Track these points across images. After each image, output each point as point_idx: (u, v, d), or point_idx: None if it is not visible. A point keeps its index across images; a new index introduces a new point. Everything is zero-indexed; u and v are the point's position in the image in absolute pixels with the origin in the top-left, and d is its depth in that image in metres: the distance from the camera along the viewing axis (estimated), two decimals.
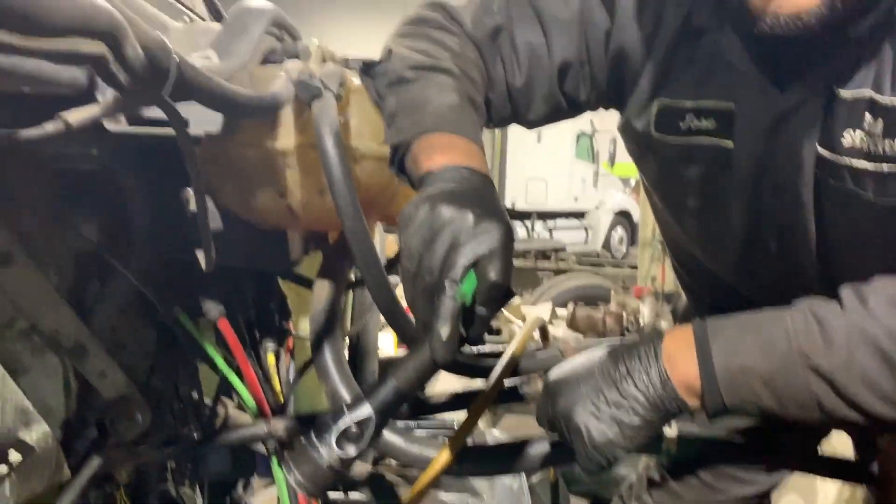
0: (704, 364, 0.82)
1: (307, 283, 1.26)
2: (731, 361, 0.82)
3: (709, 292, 1.29)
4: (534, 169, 11.50)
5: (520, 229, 11.86)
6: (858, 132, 0.87)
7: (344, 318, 1.45)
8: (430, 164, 0.87)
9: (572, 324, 4.20)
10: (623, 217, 12.58)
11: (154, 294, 1.13)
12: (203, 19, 1.47)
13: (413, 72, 0.97)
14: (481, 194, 0.82)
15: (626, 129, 1.09)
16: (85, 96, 0.55)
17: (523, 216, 11.82)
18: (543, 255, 7.77)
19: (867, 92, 0.85)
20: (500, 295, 0.74)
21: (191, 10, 1.41)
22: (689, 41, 0.98)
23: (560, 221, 12.37)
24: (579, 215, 12.65)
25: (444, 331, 0.72)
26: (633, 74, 1.03)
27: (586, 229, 12.36)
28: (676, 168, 1.05)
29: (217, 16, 1.40)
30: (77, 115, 0.52)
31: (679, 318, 1.51)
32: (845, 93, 0.87)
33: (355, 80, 1.05)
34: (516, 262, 7.27)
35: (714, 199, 1.03)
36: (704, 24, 0.96)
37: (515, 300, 4.48)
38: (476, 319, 0.74)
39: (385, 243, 1.60)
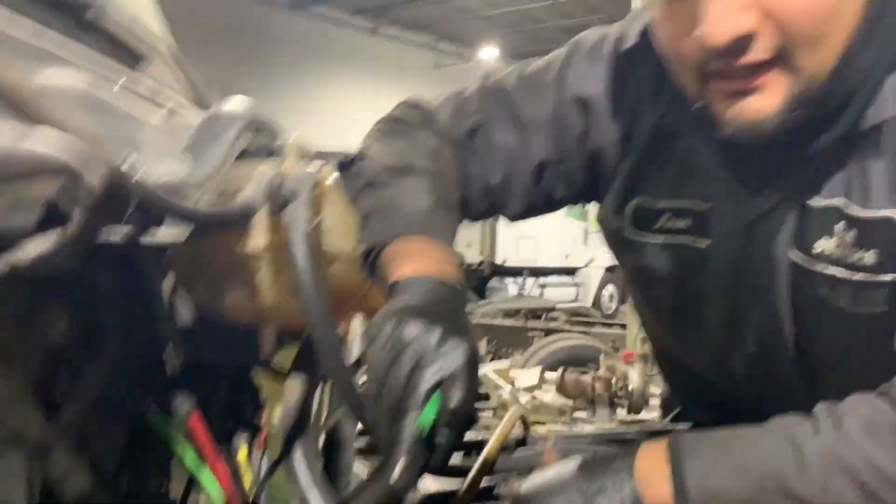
0: (678, 486, 0.81)
1: (282, 375, 1.23)
2: (706, 484, 0.80)
3: (687, 383, 1.28)
4: (525, 226, 11.53)
5: (511, 286, 11.87)
6: (831, 240, 0.87)
7: (321, 410, 1.42)
8: (400, 272, 0.86)
9: (561, 388, 4.13)
10: (613, 274, 12.60)
11: (124, 390, 1.11)
12: (187, 103, 1.47)
13: (387, 173, 0.97)
14: (449, 307, 0.82)
15: (603, 224, 1.10)
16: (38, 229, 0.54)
17: (515, 273, 11.83)
18: (534, 314, 7.73)
19: (839, 201, 0.86)
20: (461, 420, 0.73)
21: (173, 96, 1.41)
22: (663, 142, 0.99)
23: (551, 278, 12.38)
24: (570, 272, 12.68)
25: (402, 461, 0.70)
26: (610, 173, 1.04)
27: (577, 286, 12.37)
28: (653, 266, 1.05)
29: (201, 101, 1.40)
30: (25, 255, 0.51)
31: (662, 401, 1.49)
32: (817, 201, 0.88)
33: (332, 176, 1.05)
34: (508, 322, 7.24)
35: (691, 298, 1.03)
36: (677, 127, 0.97)
37: (504, 364, 4.43)
38: (437, 446, 0.73)
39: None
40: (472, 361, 0.76)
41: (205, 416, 1.18)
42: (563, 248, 12.40)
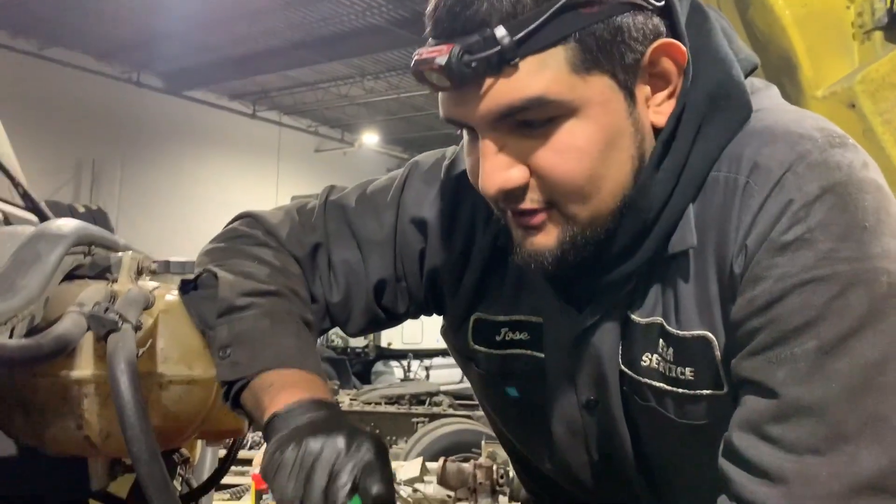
0: None
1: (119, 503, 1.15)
2: None
3: (543, 488, 1.28)
4: None
5: (397, 370, 11.76)
6: (655, 356, 0.90)
7: None
8: (275, 405, 0.85)
9: (443, 480, 4.09)
10: None
11: None
12: (22, 208, 1.40)
13: (244, 299, 0.95)
14: (339, 419, 0.82)
15: (447, 338, 1.11)
16: None
17: (399, 356, 11.75)
18: (418, 399, 7.66)
19: (658, 319, 0.90)
20: None
21: (8, 203, 1.34)
22: (500, 259, 1.02)
23: (436, 360, 12.35)
24: None
25: None
26: (450, 290, 1.06)
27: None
28: (496, 378, 1.06)
29: (36, 210, 1.33)
30: None
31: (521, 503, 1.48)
32: (638, 318, 0.91)
33: (168, 296, 1.00)
34: (391, 409, 7.13)
35: (533, 409, 1.04)
36: (508, 246, 1.00)
37: None
38: None
39: (217, 457, 1.50)
40: (383, 452, 0.78)
41: None
42: None
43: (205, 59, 13.26)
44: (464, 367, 1.12)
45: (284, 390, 0.87)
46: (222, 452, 1.44)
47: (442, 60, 0.78)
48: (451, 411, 7.42)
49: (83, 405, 0.92)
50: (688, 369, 0.87)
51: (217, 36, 12.20)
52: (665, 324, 0.89)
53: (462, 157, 1.05)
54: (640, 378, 0.92)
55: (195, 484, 1.28)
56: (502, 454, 4.42)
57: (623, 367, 0.93)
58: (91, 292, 0.90)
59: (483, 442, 4.75)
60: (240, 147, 16.00)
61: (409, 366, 11.62)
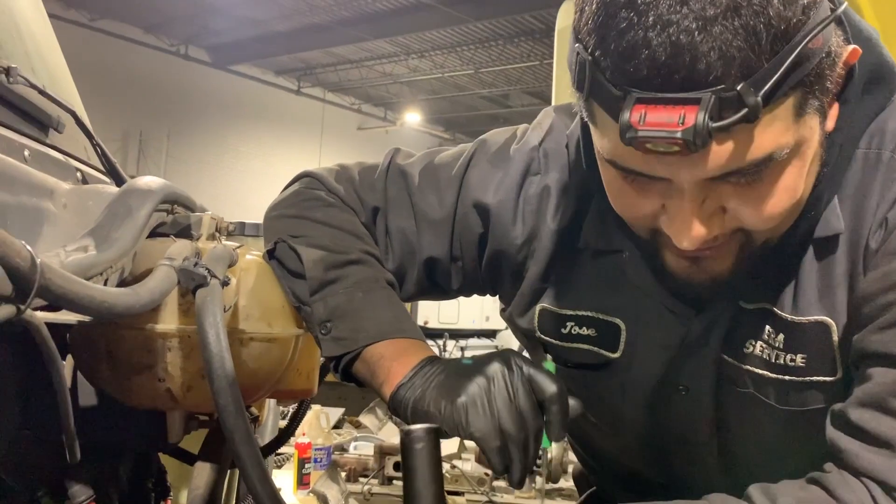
0: None
1: (190, 459, 1.18)
2: None
3: (599, 462, 1.26)
4: None
5: (433, 349, 11.83)
6: (759, 342, 0.88)
7: (230, 497, 1.36)
8: (394, 377, 0.88)
9: (480, 459, 4.11)
10: None
11: (15, 475, 1.04)
12: (100, 171, 1.43)
13: (332, 272, 0.97)
14: (460, 362, 0.87)
15: (511, 322, 1.09)
16: None
17: (435, 335, 11.82)
18: None
19: (767, 305, 0.87)
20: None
21: (84, 163, 1.37)
22: (571, 256, 0.99)
23: (472, 341, 12.40)
24: (491, 334, 12.72)
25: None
26: (513, 277, 1.03)
27: (497, 349, 12.40)
28: (563, 365, 1.04)
29: (113, 171, 1.36)
30: None
31: (574, 478, 1.47)
32: (745, 304, 0.89)
33: (248, 255, 1.02)
34: None
35: (602, 400, 1.02)
36: (592, 245, 0.97)
37: None
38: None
39: (278, 420, 1.53)
40: (525, 358, 0.87)
41: (105, 500, 1.11)
42: (484, 310, 12.47)
43: (251, 34, 13.35)
44: (531, 350, 1.10)
45: (397, 360, 0.90)
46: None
47: (685, 134, 0.66)
48: None
49: (166, 358, 0.94)
50: (799, 356, 0.85)
51: (264, 10, 12.27)
52: (777, 310, 0.86)
53: (532, 141, 1.01)
54: (741, 365, 0.89)
55: (260, 443, 1.31)
56: None
57: (723, 354, 0.91)
58: (179, 248, 0.92)
59: None
60: (284, 123, 16.13)
61: (444, 345, 11.67)
